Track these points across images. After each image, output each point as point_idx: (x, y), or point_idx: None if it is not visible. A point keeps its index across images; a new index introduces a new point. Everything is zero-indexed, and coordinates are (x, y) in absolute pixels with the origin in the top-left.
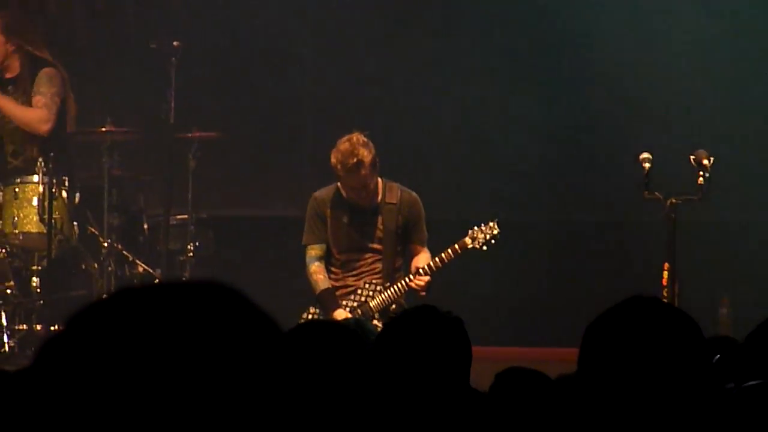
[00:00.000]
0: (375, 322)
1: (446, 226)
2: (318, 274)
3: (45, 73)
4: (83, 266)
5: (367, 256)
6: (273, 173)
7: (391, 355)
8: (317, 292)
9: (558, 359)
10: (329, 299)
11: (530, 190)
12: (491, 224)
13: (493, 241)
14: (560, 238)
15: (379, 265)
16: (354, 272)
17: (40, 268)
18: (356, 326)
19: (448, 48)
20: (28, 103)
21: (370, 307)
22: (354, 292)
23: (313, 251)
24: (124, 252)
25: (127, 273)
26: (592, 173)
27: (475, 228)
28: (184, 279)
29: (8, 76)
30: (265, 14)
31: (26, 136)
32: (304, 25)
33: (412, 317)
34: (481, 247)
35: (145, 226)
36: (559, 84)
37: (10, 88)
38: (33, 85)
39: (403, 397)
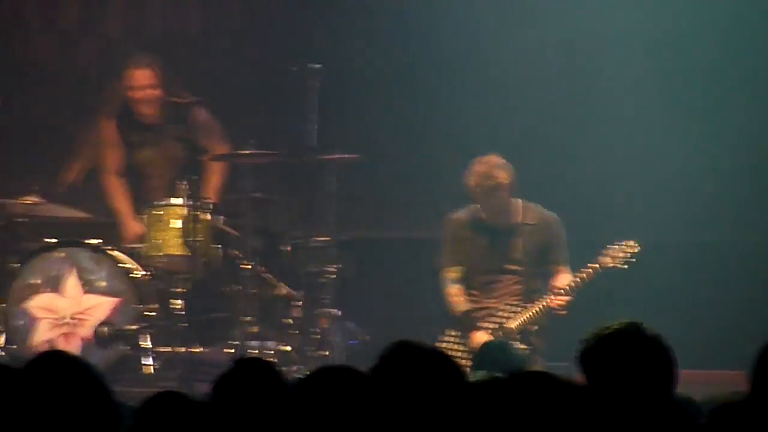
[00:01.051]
0: (515, 343)
1: (586, 247)
2: (456, 296)
3: (200, 121)
4: (226, 289)
5: (505, 277)
6: (413, 194)
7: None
8: (456, 314)
9: (718, 381)
10: (468, 321)
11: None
12: (630, 242)
13: (633, 260)
14: (724, 258)
15: (518, 287)
16: (493, 294)
17: (183, 290)
18: (499, 348)
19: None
20: (167, 147)
21: (509, 328)
22: (493, 313)
23: (451, 273)
24: (266, 274)
25: (269, 295)
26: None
27: (615, 246)
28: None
29: (149, 122)
30: (403, 34)
31: (168, 160)
32: (442, 44)
33: (617, 336)
34: (621, 265)
35: (287, 249)
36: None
37: (149, 135)
38: (187, 132)
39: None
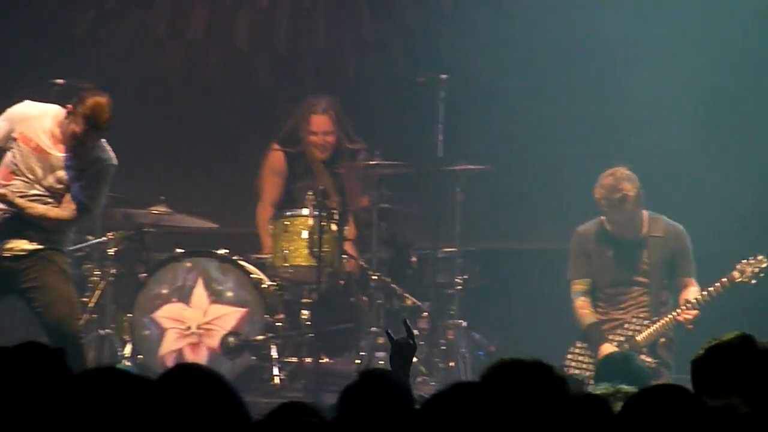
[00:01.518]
0: (643, 356)
1: (712, 260)
2: (584, 309)
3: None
4: (352, 299)
5: (632, 289)
6: (539, 205)
7: None
8: (584, 326)
9: None
10: (596, 334)
11: None
12: (760, 257)
13: (762, 275)
14: None
15: (645, 299)
16: (620, 306)
17: (310, 301)
18: (622, 360)
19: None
20: (326, 181)
21: (637, 341)
22: (621, 326)
23: (579, 286)
24: (393, 285)
25: (396, 306)
26: None
27: (743, 261)
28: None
29: (322, 157)
30: (531, 44)
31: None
32: (571, 55)
33: (729, 349)
34: (750, 281)
35: (413, 260)
36: None
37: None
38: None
39: None
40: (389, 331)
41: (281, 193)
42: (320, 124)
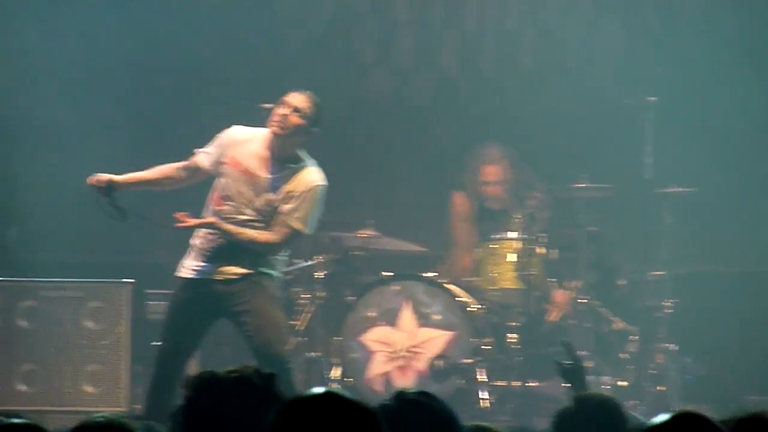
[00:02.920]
0: None
1: None
2: None
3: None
4: (561, 323)
5: None
6: (748, 227)
7: None
8: None
9: None
10: None
11: None
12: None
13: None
14: None
15: None
16: None
17: (517, 324)
18: None
19: None
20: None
21: None
22: None
23: None
24: (601, 308)
25: (605, 330)
26: None
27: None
28: None
29: (496, 207)
30: (740, 65)
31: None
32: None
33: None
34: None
35: (621, 283)
36: None
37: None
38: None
39: None
40: (557, 360)
41: (473, 234)
42: (492, 175)
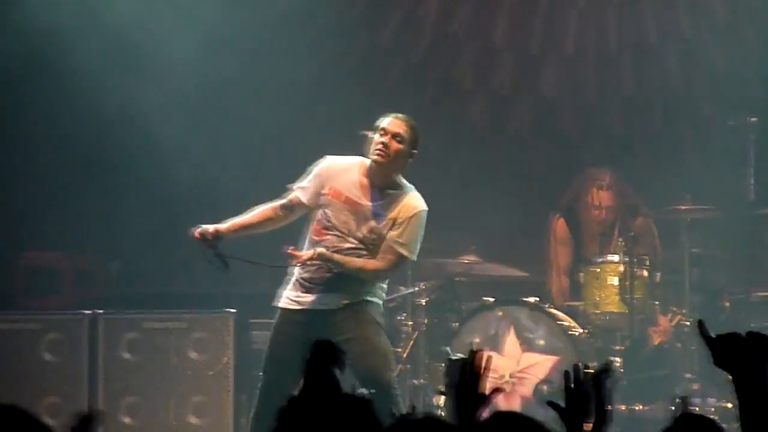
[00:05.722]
0: None
1: None
2: None
3: (642, 230)
4: (666, 346)
5: None
6: None
7: None
8: None
9: None
10: None
11: None
12: None
13: None
14: None
15: None
16: None
17: (622, 348)
18: None
19: None
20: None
21: None
22: None
23: None
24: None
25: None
26: None
27: None
28: None
29: (599, 231)
30: None
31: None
32: None
33: None
34: None
35: (726, 305)
36: None
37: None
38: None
39: None
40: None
41: (572, 260)
42: (602, 199)
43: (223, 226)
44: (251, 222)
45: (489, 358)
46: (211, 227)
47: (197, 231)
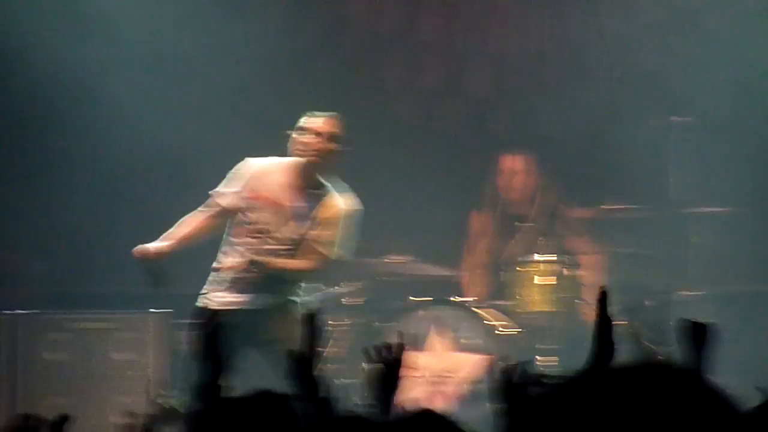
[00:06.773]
0: None
1: None
2: None
3: (569, 219)
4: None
5: None
6: None
7: None
8: None
9: None
10: None
11: None
12: None
13: None
14: None
15: None
16: None
17: (548, 347)
18: None
19: None
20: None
21: None
22: None
23: None
24: (633, 330)
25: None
26: None
27: None
28: None
29: (521, 214)
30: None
31: (530, 250)
32: None
33: None
34: None
35: (651, 303)
36: None
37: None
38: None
39: None
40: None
41: (490, 255)
42: (515, 182)
43: (163, 244)
44: (188, 235)
45: (402, 346)
46: (151, 246)
47: (139, 251)
